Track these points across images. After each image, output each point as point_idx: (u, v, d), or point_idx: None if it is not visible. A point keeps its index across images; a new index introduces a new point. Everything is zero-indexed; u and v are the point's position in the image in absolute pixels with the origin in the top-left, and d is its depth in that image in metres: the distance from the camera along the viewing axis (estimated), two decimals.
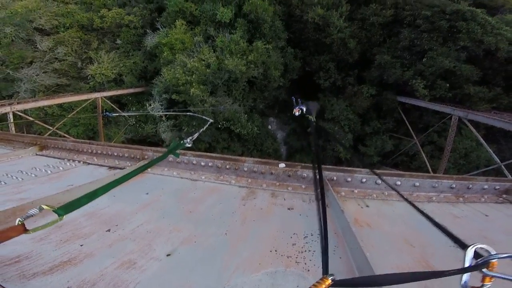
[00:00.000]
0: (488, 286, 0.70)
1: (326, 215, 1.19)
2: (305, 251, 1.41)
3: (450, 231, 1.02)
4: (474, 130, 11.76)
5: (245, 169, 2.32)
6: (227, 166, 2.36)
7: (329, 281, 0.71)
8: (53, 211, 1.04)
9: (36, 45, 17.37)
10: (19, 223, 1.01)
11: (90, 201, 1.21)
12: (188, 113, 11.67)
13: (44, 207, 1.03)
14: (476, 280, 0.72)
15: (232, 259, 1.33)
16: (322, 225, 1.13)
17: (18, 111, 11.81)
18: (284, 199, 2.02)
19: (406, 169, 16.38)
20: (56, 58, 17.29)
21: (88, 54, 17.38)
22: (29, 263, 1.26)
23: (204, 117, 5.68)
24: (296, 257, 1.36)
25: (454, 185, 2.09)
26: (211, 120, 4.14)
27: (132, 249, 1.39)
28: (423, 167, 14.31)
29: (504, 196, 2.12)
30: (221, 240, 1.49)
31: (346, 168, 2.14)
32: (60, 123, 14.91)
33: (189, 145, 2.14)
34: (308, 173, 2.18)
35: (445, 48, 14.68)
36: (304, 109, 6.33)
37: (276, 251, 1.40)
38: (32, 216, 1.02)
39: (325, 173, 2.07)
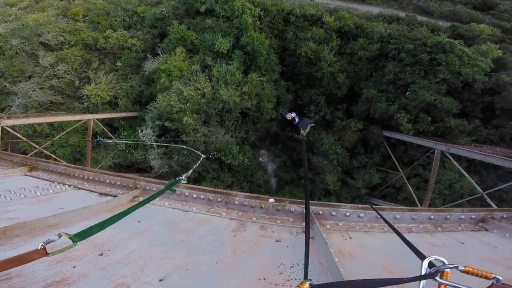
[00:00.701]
0: None
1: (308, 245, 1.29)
2: (292, 279, 1.49)
3: (412, 243, 1.16)
4: (456, 163, 12.37)
5: (236, 202, 2.40)
6: (219, 199, 2.44)
7: (306, 285, 0.81)
8: (69, 238, 1.14)
9: (38, 60, 17.47)
10: (42, 247, 1.10)
11: (101, 230, 1.30)
12: (182, 146, 11.68)
13: (63, 234, 1.13)
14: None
15: (222, 286, 1.40)
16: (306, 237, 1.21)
17: (7, 126, 11.60)
18: (273, 232, 2.10)
19: (393, 200, 16.68)
20: (55, 75, 17.32)
21: (87, 73, 17.46)
22: (20, 280, 1.27)
23: (197, 151, 5.74)
24: (283, 285, 1.44)
25: (432, 216, 2.25)
26: (203, 156, 4.23)
27: (125, 273, 1.43)
28: (410, 198, 14.62)
29: (480, 224, 2.29)
30: (212, 268, 1.55)
31: (331, 203, 2.28)
32: (48, 142, 14.62)
33: (185, 182, 2.24)
34: (296, 207, 2.29)
35: (427, 81, 15.28)
36: (297, 119, 6.31)
37: (264, 279, 1.48)
38: (52, 241, 1.11)
39: (312, 208, 2.19)
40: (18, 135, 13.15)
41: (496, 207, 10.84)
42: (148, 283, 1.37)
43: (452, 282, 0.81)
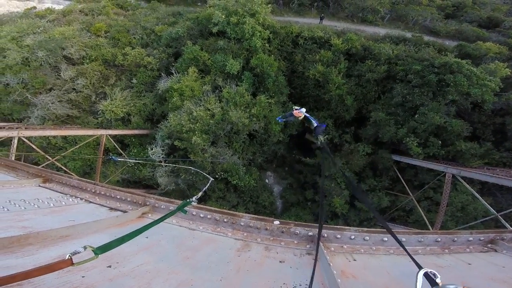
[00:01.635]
0: None
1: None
2: None
3: (409, 252, 1.17)
4: (468, 186, 12.08)
5: (242, 223, 2.44)
6: (225, 220, 2.49)
7: None
8: (92, 250, 1.23)
9: (60, 73, 18.30)
10: (69, 257, 1.19)
11: (120, 245, 1.38)
12: (190, 168, 11.77)
13: (88, 247, 1.23)
14: None
15: None
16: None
17: (24, 137, 12.00)
18: (277, 253, 2.12)
19: (403, 223, 16.18)
20: (74, 89, 18.06)
21: (104, 88, 18.13)
22: (30, 286, 1.32)
23: (204, 173, 5.80)
24: None
25: (439, 239, 2.23)
26: (212, 179, 4.28)
27: (132, 286, 1.48)
28: (421, 221, 14.12)
29: (489, 245, 2.25)
30: (216, 285, 1.58)
31: (336, 226, 2.30)
32: (61, 155, 15.00)
33: (195, 203, 2.33)
34: (300, 230, 2.32)
35: (435, 103, 14.97)
36: (314, 122, 4.54)
37: None
38: (78, 253, 1.19)
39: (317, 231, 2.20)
40: (34, 146, 13.59)
41: (510, 228, 10.43)
42: None
43: None
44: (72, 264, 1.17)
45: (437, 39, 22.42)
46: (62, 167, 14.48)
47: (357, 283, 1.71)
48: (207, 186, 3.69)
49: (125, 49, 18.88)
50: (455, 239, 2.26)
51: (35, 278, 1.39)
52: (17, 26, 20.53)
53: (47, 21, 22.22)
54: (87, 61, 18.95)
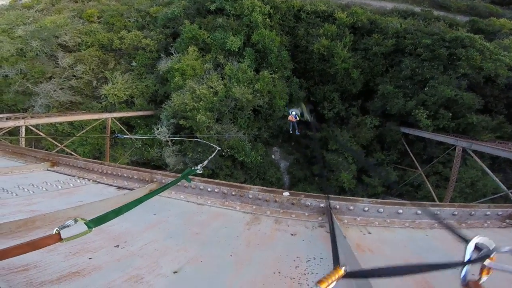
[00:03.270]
0: (485, 279, 0.74)
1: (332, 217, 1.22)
2: (308, 273, 1.44)
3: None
4: (479, 161, 11.73)
5: (250, 196, 2.38)
6: (233, 193, 2.43)
7: (341, 271, 0.75)
8: (85, 223, 1.13)
9: (58, 61, 18.29)
10: (56, 232, 1.09)
11: (116, 216, 1.29)
12: (195, 139, 11.86)
13: (79, 219, 1.11)
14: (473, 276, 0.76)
15: (236, 279, 1.37)
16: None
17: (31, 125, 12.17)
18: (288, 225, 2.06)
19: (411, 198, 16.09)
20: (74, 76, 18.06)
21: (104, 73, 18.11)
22: (37, 271, 1.29)
23: (211, 144, 5.76)
24: (299, 279, 1.39)
25: (456, 212, 2.13)
26: (218, 148, 4.21)
27: (139, 265, 1.44)
28: (429, 197, 14.04)
29: (508, 221, 2.15)
30: (226, 261, 1.53)
31: (348, 197, 2.21)
32: (69, 140, 15.22)
33: (200, 172, 2.24)
34: (311, 201, 2.24)
35: (446, 77, 14.69)
36: (299, 113, 5.83)
37: (279, 273, 1.44)
38: (68, 226, 1.10)
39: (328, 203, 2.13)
40: (41, 133, 13.78)
41: None
42: (162, 275, 1.37)
43: (503, 266, 0.72)
44: (61, 239, 1.08)
45: (448, 14, 21.69)
46: (72, 153, 14.71)
47: (375, 257, 1.64)
48: (214, 154, 3.65)
49: (121, 33, 18.61)
50: (473, 212, 2.15)
51: (42, 262, 1.37)
52: (5, 18, 20.22)
53: (35, 11, 21.84)
54: (84, 47, 18.77)
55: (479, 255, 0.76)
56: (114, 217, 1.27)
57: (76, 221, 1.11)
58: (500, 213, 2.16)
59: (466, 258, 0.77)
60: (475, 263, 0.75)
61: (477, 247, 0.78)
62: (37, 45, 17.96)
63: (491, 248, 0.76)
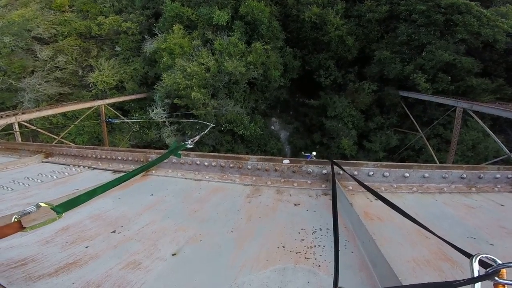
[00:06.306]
0: None
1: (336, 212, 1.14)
2: (315, 246, 1.37)
3: (456, 246, 1.03)
4: (480, 121, 11.60)
5: (249, 167, 2.29)
6: (231, 165, 2.34)
7: None
8: (51, 208, 1.02)
9: (36, 54, 17.62)
10: (15, 220, 1.00)
11: (90, 198, 1.18)
12: (189, 120, 11.75)
13: (42, 204, 1.01)
14: None
15: (238, 256, 1.30)
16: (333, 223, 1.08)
17: (23, 121, 11.95)
18: (290, 195, 1.98)
19: (413, 163, 16.33)
20: (57, 67, 17.52)
21: (88, 62, 17.63)
22: (35, 265, 1.25)
23: (205, 122, 5.69)
24: (305, 253, 1.32)
25: (464, 175, 2.03)
26: (212, 125, 4.16)
27: (137, 250, 1.38)
28: (431, 160, 14.15)
29: None
30: (227, 238, 1.46)
31: (352, 161, 2.11)
32: (65, 131, 15.05)
33: (190, 146, 2.13)
34: (313, 168, 2.14)
35: (444, 42, 14.62)
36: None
37: (284, 247, 1.37)
38: (28, 213, 0.99)
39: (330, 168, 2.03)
40: (36, 127, 13.60)
41: None
42: (161, 258, 1.31)
43: None
44: (23, 228, 0.99)
45: None
46: (71, 144, 14.60)
47: (384, 225, 1.55)
48: (206, 131, 3.60)
49: (98, 19, 17.82)
50: (482, 175, 2.03)
51: (39, 255, 1.32)
52: None
53: None
54: (61, 38, 18.05)
55: (487, 272, 0.69)
56: (87, 199, 1.17)
57: (38, 206, 1.00)
58: (510, 176, 2.05)
59: (475, 274, 0.71)
60: (484, 280, 0.69)
61: (482, 262, 0.72)
62: (9, 41, 17.19)
63: (500, 264, 0.68)
